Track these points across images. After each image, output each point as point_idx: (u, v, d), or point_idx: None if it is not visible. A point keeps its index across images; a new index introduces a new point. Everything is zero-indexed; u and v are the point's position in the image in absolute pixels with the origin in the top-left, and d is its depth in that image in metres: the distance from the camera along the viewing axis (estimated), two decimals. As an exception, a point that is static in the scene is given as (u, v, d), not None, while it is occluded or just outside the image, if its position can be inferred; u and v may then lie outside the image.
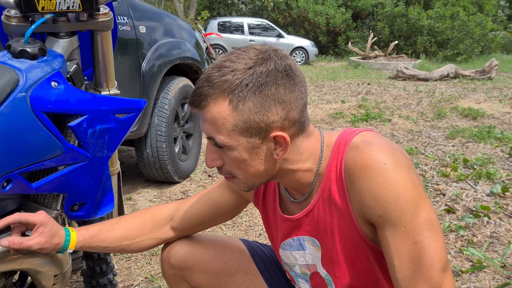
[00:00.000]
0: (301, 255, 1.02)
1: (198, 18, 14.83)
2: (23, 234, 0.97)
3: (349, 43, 14.75)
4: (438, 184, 3.01)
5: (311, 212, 0.95)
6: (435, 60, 15.04)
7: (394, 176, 0.80)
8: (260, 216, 1.24)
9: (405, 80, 8.84)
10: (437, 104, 5.96)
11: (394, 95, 6.82)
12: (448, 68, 8.97)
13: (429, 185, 3.01)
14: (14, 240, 0.92)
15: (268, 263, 1.22)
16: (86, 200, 1.10)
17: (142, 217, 1.13)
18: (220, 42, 14.06)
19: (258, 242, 1.28)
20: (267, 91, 0.81)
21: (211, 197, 1.13)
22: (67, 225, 1.31)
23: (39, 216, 0.96)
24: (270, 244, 1.18)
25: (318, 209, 0.94)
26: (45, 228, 0.96)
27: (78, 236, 1.02)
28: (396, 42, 13.50)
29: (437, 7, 16.27)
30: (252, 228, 2.44)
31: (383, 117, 5.13)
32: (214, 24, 14.53)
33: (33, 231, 0.96)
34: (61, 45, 1.04)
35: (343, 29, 17.54)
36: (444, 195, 2.84)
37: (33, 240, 0.94)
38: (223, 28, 14.52)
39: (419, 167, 3.37)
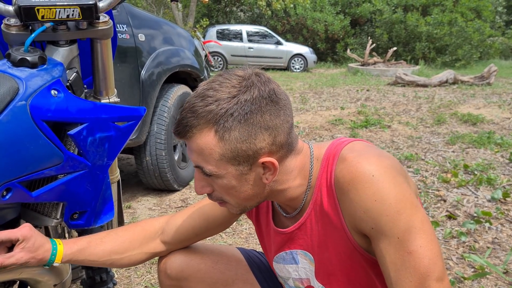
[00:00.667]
0: (294, 269, 1.01)
1: (197, 26, 14.87)
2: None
3: (348, 50, 14.78)
4: (438, 190, 3.00)
5: (303, 225, 0.95)
6: (434, 66, 15.08)
7: (384, 187, 0.80)
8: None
9: (404, 86, 8.85)
10: (437, 110, 5.97)
11: (394, 101, 6.82)
12: (447, 74, 8.99)
13: (430, 191, 3.00)
14: None
15: (265, 272, 1.21)
16: (86, 209, 1.09)
17: (133, 231, 1.12)
18: (219, 50, 14.12)
19: (255, 251, 1.27)
20: (253, 119, 0.80)
21: (204, 210, 1.11)
22: (66, 234, 1.31)
23: (22, 231, 0.94)
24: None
25: (310, 222, 0.93)
26: (28, 242, 0.93)
27: (66, 249, 1.00)
28: (395, 48, 13.54)
29: (435, 13, 16.35)
30: (253, 235, 2.43)
31: (383, 123, 5.13)
32: (213, 31, 14.59)
33: (15, 246, 0.93)
34: (60, 54, 1.04)
35: (341, 36, 17.61)
36: (445, 201, 2.83)
37: (15, 257, 0.92)
38: (221, 35, 14.57)
39: (420, 173, 3.37)
